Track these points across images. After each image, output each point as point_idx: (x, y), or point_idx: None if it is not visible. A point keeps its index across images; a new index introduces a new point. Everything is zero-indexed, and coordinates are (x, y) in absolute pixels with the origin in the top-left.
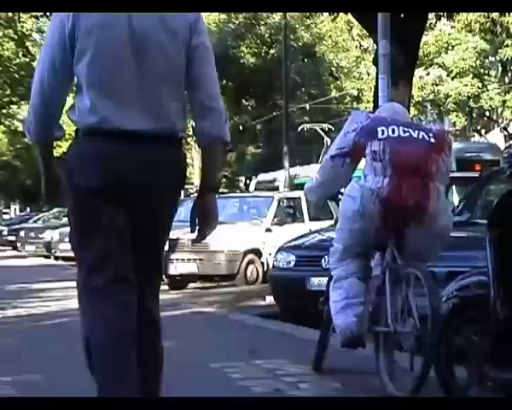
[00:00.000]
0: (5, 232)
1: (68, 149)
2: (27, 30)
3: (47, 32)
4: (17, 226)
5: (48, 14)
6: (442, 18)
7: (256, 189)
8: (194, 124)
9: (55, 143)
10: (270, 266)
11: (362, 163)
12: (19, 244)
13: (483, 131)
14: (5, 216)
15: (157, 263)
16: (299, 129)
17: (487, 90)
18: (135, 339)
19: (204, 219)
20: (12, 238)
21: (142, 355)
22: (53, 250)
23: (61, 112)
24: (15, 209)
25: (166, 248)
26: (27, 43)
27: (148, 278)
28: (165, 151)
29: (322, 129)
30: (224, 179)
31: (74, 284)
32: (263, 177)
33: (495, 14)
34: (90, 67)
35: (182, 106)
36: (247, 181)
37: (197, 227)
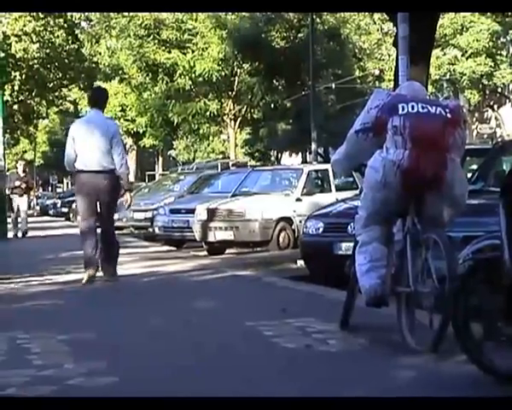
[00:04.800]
0: (59, 205)
1: (75, 177)
2: (76, 19)
3: (68, 138)
4: (69, 199)
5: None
6: None
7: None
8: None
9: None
10: (301, 232)
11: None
12: (71, 215)
13: (495, 106)
14: (58, 190)
15: (108, 216)
16: None
17: (499, 69)
18: (96, 241)
19: (127, 203)
20: (65, 210)
21: (102, 247)
22: None
23: (74, 163)
24: (68, 183)
25: (205, 217)
26: (76, 31)
27: (106, 221)
28: (106, 176)
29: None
30: (256, 153)
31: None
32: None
33: None
34: (78, 148)
35: (110, 158)
36: (279, 155)
37: (126, 205)
